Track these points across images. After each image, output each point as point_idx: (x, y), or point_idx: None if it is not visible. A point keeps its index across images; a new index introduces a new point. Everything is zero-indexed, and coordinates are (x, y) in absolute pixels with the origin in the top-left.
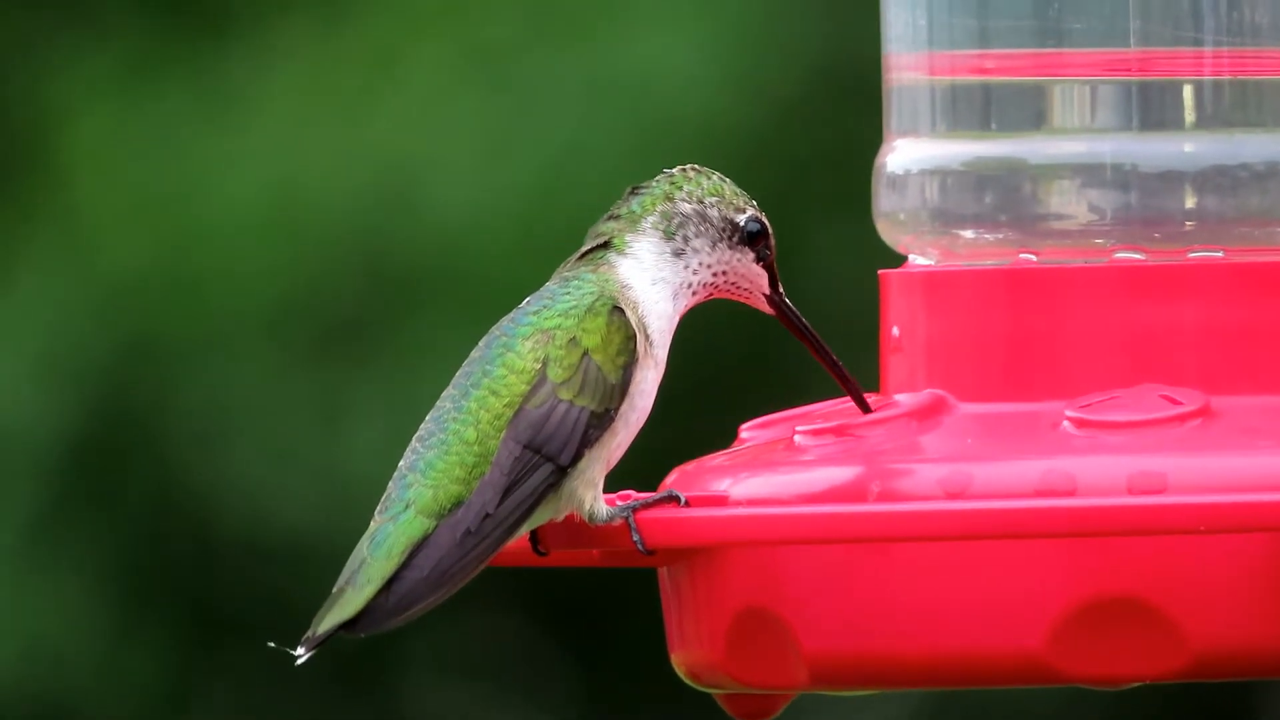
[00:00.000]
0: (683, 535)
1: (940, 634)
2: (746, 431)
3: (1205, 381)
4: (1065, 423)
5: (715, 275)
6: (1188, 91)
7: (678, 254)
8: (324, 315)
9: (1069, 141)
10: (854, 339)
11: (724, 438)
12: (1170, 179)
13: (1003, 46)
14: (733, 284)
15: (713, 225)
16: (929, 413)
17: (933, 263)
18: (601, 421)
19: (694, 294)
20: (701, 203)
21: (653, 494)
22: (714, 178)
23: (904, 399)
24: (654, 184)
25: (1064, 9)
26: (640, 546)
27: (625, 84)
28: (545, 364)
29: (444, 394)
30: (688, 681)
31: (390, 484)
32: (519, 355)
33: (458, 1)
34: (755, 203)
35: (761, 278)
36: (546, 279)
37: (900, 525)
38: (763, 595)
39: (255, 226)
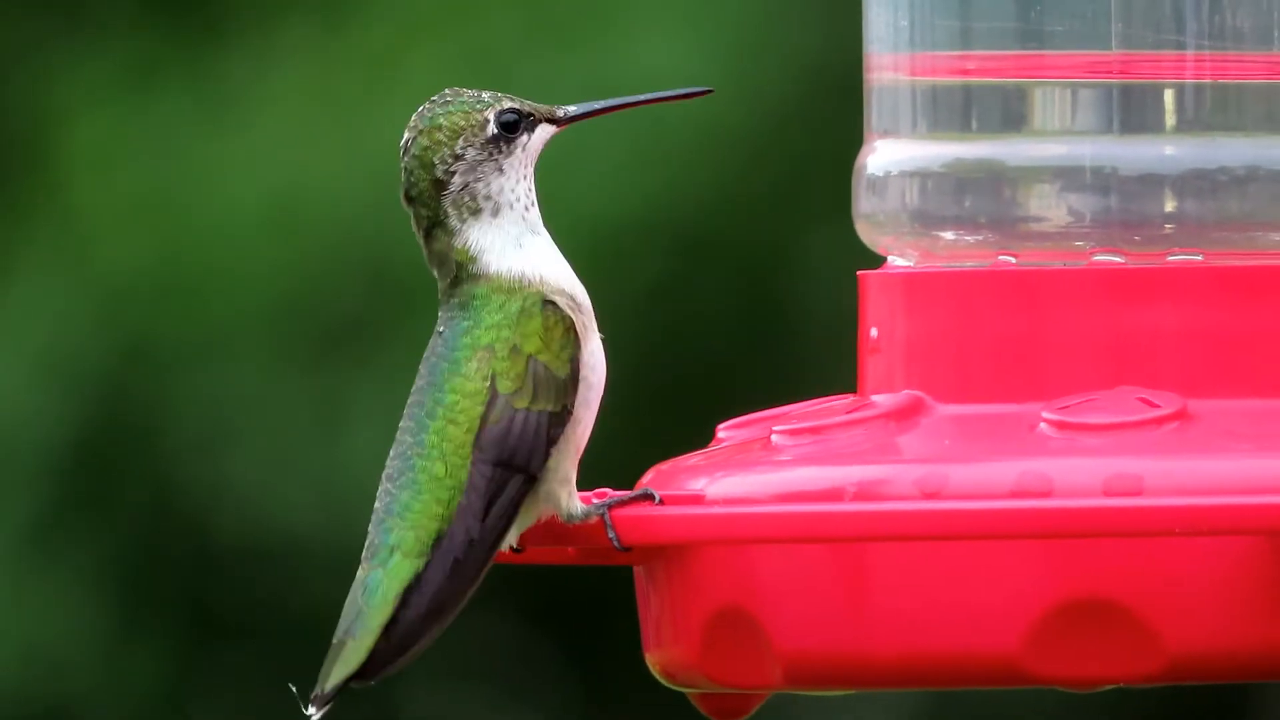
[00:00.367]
0: (658, 533)
1: (915, 634)
2: (724, 431)
3: (1183, 385)
4: (1043, 424)
5: (524, 178)
6: (1168, 95)
7: (495, 211)
8: (323, 318)
9: (1049, 144)
10: (847, 342)
11: (701, 437)
12: (1150, 182)
13: (984, 48)
14: (535, 156)
15: (483, 158)
16: (907, 414)
17: (912, 264)
18: (561, 419)
19: (529, 198)
20: (457, 157)
21: (628, 492)
22: (435, 121)
23: (882, 400)
24: (410, 178)
25: (1045, 11)
26: (616, 543)
27: (623, 86)
28: (493, 379)
29: (401, 425)
30: (662, 681)
31: (370, 528)
32: (466, 377)
33: (457, 4)
34: (480, 93)
35: (545, 133)
36: None
37: (875, 525)
38: (737, 594)
39: (254, 229)
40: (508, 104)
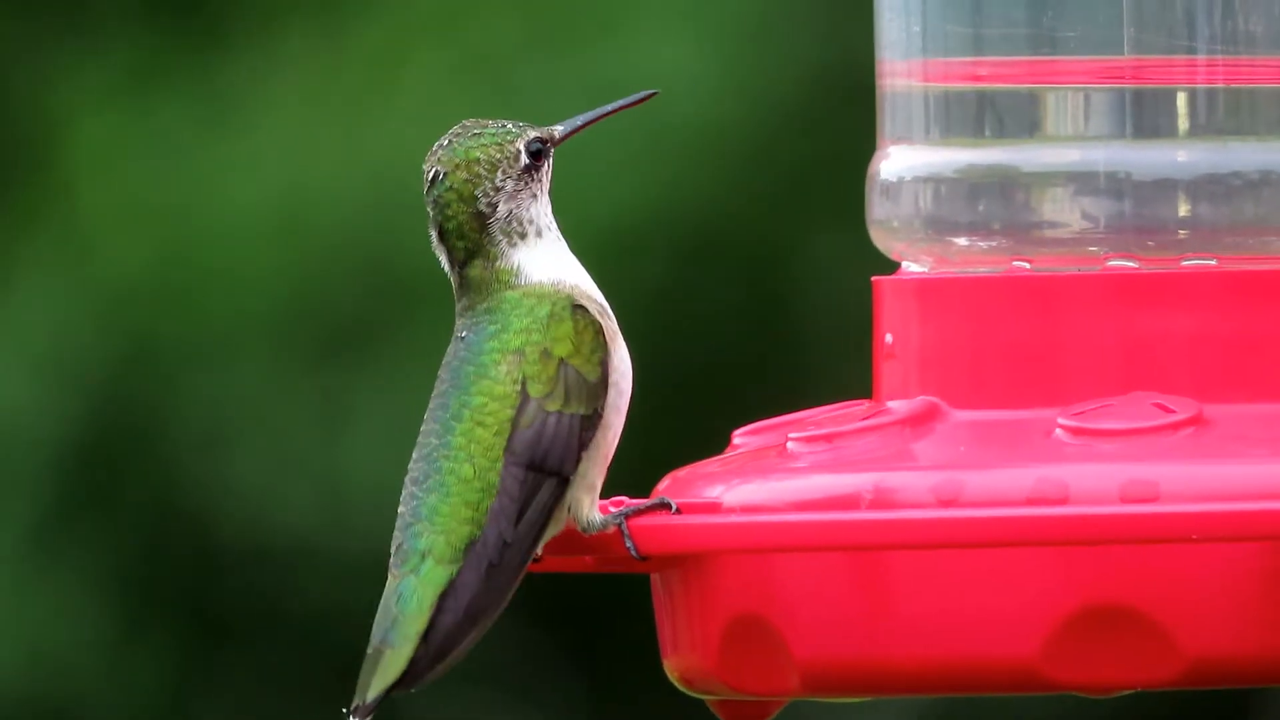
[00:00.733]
0: (675, 542)
1: (932, 641)
2: (739, 437)
3: (1198, 390)
4: (1058, 430)
5: (549, 200)
6: (1181, 99)
7: (538, 233)
8: (326, 320)
9: (1063, 149)
10: (852, 345)
11: (717, 443)
12: (1164, 187)
13: (997, 54)
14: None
15: (520, 187)
16: (922, 420)
17: (926, 270)
18: (592, 422)
19: (553, 219)
20: (498, 188)
21: (645, 500)
22: (470, 154)
23: (897, 406)
24: (446, 212)
25: (1058, 17)
26: (633, 553)
27: (624, 89)
28: (524, 383)
29: (423, 429)
30: (681, 688)
31: (397, 532)
32: (495, 380)
33: (457, 8)
34: (504, 123)
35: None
36: None
37: (892, 533)
38: (755, 602)
39: (256, 231)
40: (533, 133)
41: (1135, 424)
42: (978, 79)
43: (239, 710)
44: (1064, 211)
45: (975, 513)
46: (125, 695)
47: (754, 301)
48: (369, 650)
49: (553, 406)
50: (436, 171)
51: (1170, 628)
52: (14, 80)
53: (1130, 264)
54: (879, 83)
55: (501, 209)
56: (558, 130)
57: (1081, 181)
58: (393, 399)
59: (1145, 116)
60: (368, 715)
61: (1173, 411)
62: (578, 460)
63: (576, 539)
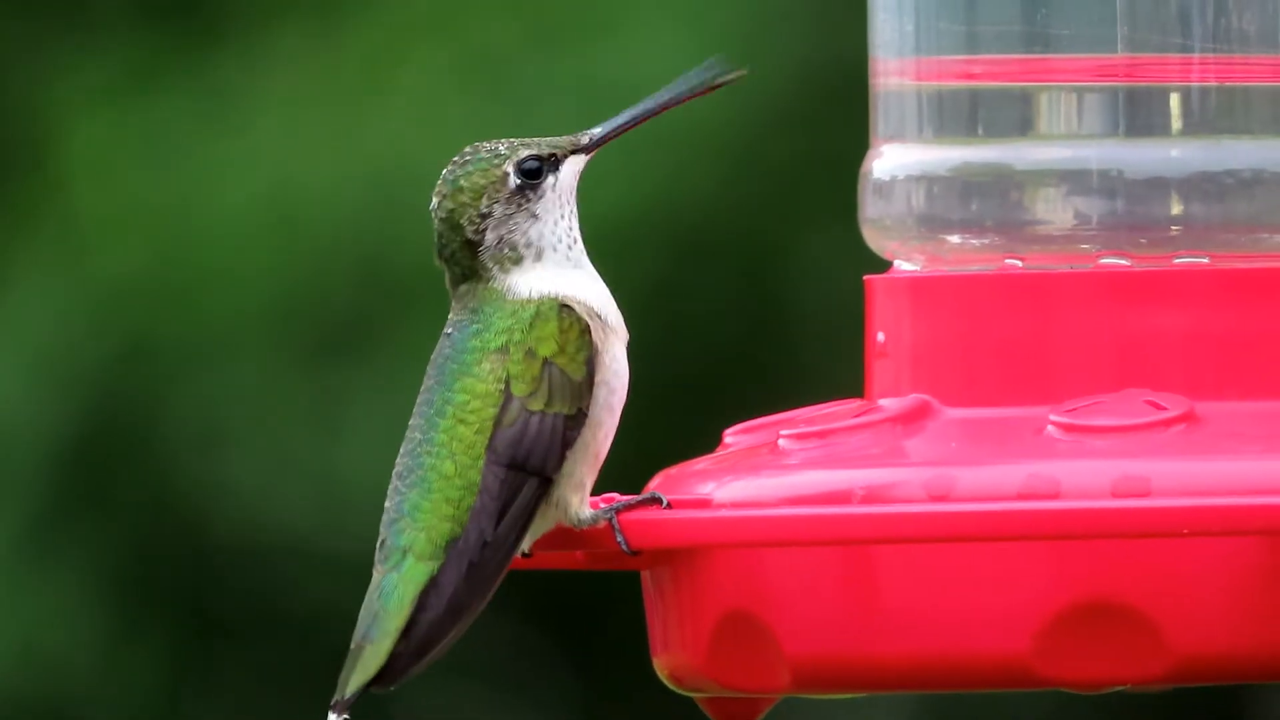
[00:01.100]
0: (666, 537)
1: (923, 637)
2: (731, 436)
3: (1190, 387)
4: (1050, 427)
5: (563, 217)
6: (1174, 97)
7: (538, 256)
8: (321, 318)
9: (1055, 147)
10: (844, 344)
11: (709, 441)
12: (1156, 185)
13: (990, 52)
14: (570, 191)
15: (512, 210)
16: (913, 417)
17: (918, 268)
18: (577, 421)
19: (571, 236)
20: (485, 215)
21: (636, 496)
22: (456, 184)
23: (889, 403)
24: (442, 240)
25: (1051, 15)
26: (624, 548)
27: (618, 88)
28: (508, 382)
29: (410, 424)
30: (670, 685)
31: (382, 527)
32: (477, 378)
33: (453, 7)
34: (497, 146)
35: (575, 165)
36: None
37: (883, 528)
38: (745, 599)
39: (252, 230)
40: (525, 152)
41: (1127, 421)
42: (971, 77)
43: (235, 709)
44: (1057, 209)
45: (966, 507)
46: (121, 694)
47: (746, 300)
48: (351, 646)
49: (535, 406)
50: (434, 201)
51: (1161, 624)
52: (11, 79)
53: (1123, 262)
54: (872, 81)
55: (489, 236)
56: (595, 133)
57: (1074, 179)
58: (389, 398)
59: (1138, 115)
60: (345, 710)
61: (1164, 409)
62: (561, 460)
63: (567, 534)
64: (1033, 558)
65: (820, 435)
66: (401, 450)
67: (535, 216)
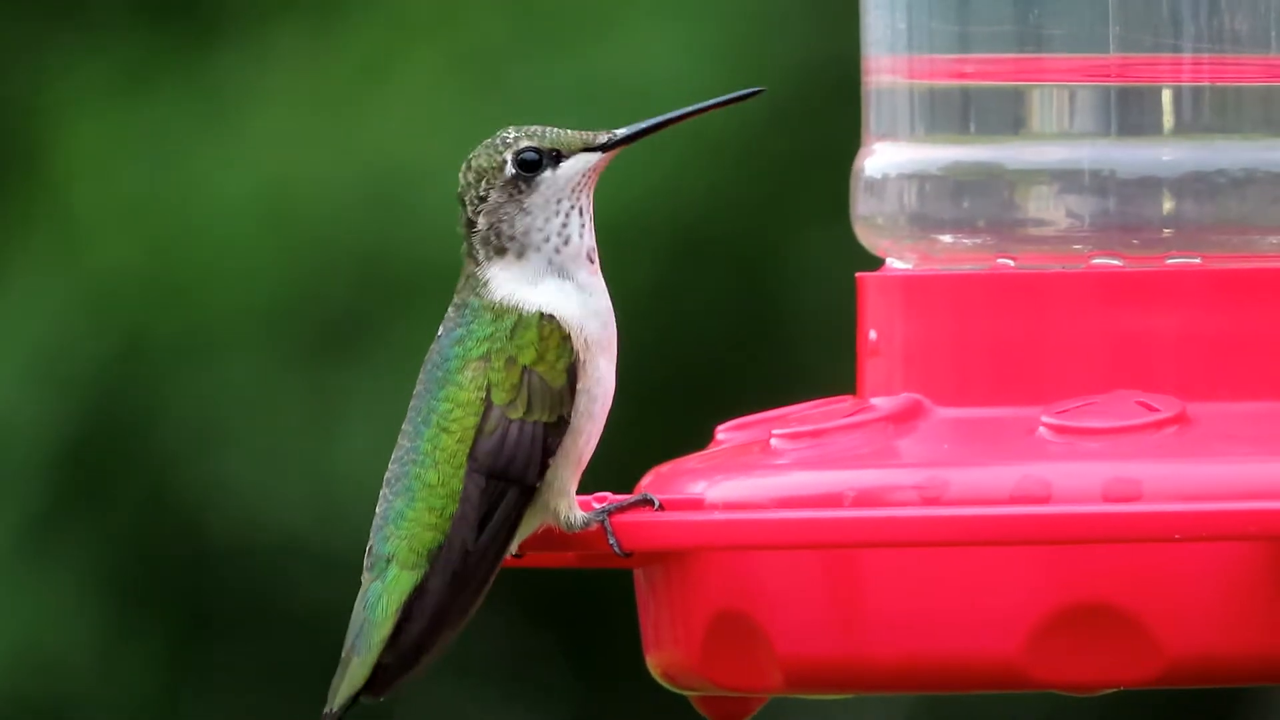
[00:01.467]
0: (658, 539)
1: (915, 639)
2: (723, 433)
3: (1182, 388)
4: (1041, 428)
5: (555, 215)
6: (1166, 97)
7: (520, 252)
8: (317, 317)
9: (1048, 147)
10: (837, 342)
11: (700, 439)
12: (1148, 185)
13: (982, 51)
14: (572, 190)
15: (504, 200)
16: (905, 417)
17: (910, 267)
18: (558, 429)
19: (562, 237)
20: (481, 199)
21: (628, 497)
22: (469, 163)
23: (881, 403)
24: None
25: (1044, 14)
26: (616, 549)
27: (615, 88)
28: (489, 390)
29: (402, 429)
30: (663, 683)
31: (371, 534)
32: (459, 386)
33: (450, 6)
34: (508, 132)
35: (582, 163)
36: None
37: (875, 531)
38: (737, 598)
39: (249, 228)
40: (525, 143)
41: (1119, 422)
42: (963, 76)
43: (231, 708)
44: (1049, 209)
45: (958, 511)
46: (117, 693)
47: (739, 298)
48: (342, 655)
49: (515, 414)
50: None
51: (1152, 626)
52: (9, 79)
53: (1115, 262)
54: (864, 79)
55: (482, 221)
56: (619, 133)
57: (1066, 179)
58: (385, 396)
59: (1130, 114)
60: None
61: (1156, 410)
62: (543, 468)
63: (558, 535)
64: (1024, 560)
65: (812, 434)
66: (392, 457)
67: (525, 210)
